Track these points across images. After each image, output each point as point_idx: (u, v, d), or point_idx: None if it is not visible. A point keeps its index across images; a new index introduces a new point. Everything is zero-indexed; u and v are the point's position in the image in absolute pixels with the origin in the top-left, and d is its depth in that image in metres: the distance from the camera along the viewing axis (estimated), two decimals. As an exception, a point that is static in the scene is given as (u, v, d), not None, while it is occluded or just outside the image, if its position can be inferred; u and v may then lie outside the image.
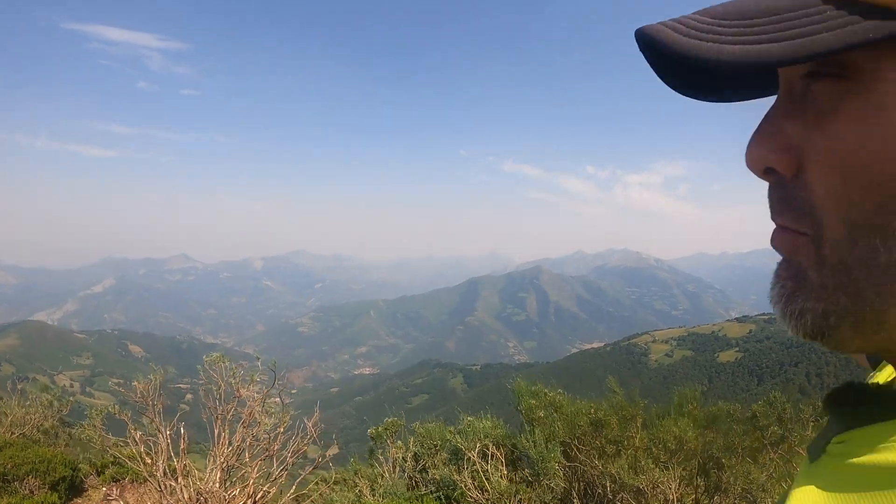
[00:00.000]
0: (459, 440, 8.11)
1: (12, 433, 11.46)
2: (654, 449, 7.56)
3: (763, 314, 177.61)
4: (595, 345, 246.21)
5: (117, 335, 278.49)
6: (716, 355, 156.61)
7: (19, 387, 13.38)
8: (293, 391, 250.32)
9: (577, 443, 7.90)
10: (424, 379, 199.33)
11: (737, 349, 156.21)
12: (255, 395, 8.03)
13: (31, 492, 8.26)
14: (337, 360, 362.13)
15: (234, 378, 7.92)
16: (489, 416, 8.81)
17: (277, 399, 8.27)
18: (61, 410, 13.52)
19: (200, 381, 8.13)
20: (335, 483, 8.77)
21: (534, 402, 8.42)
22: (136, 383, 8.11)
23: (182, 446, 7.84)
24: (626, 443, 7.71)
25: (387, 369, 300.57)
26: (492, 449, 7.69)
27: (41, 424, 12.26)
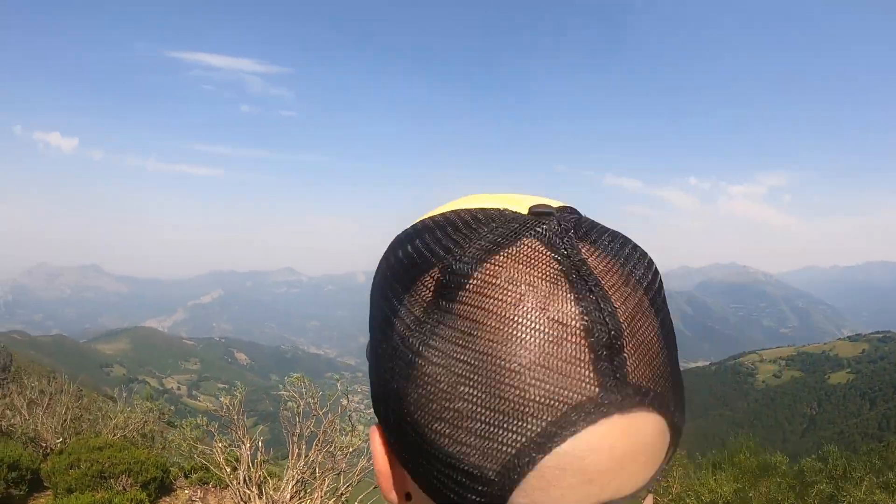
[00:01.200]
0: None
1: (115, 434, 12.49)
2: (687, 500, 7.24)
3: (877, 332, 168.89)
4: (700, 363, 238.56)
5: (224, 343, 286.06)
6: (826, 376, 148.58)
7: (124, 394, 14.46)
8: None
9: None
10: None
11: (848, 370, 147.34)
12: (331, 415, 8.43)
13: (124, 489, 9.11)
14: None
15: (314, 398, 8.38)
16: None
17: (355, 412, 8.70)
18: (162, 416, 14.55)
19: (283, 395, 8.59)
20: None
21: None
22: (223, 399, 8.87)
23: (259, 457, 8.52)
24: (661, 491, 7.32)
25: None
26: None
27: (141, 428, 13.26)
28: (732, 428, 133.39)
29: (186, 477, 10.41)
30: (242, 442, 8.48)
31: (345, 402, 8.66)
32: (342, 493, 8.25)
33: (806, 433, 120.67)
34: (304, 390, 8.43)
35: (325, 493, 8.13)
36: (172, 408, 8.44)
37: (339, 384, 8.54)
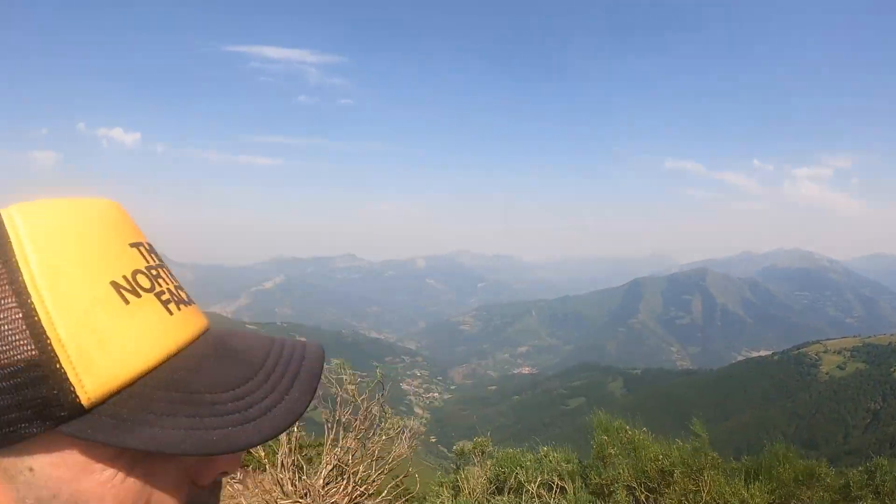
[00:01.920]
0: (520, 472, 7.99)
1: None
2: None
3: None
4: (762, 353, 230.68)
5: (286, 327, 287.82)
6: (892, 370, 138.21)
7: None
8: (452, 387, 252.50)
9: (643, 490, 7.30)
10: (583, 381, 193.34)
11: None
12: (370, 402, 8.72)
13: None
14: (497, 359, 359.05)
15: (353, 384, 8.66)
16: (566, 447, 8.50)
17: (414, 396, 8.98)
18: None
19: (324, 383, 8.81)
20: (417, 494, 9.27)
21: (606, 437, 7.91)
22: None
23: (295, 442, 8.91)
24: (688, 498, 6.97)
25: (545, 370, 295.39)
26: (557, 482, 7.62)
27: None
28: (793, 420, 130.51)
29: (231, 460, 10.79)
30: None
31: (405, 385, 8.87)
32: (374, 480, 8.56)
33: (869, 429, 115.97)
34: (344, 377, 8.68)
35: (358, 480, 8.44)
36: None
37: (377, 371, 8.75)
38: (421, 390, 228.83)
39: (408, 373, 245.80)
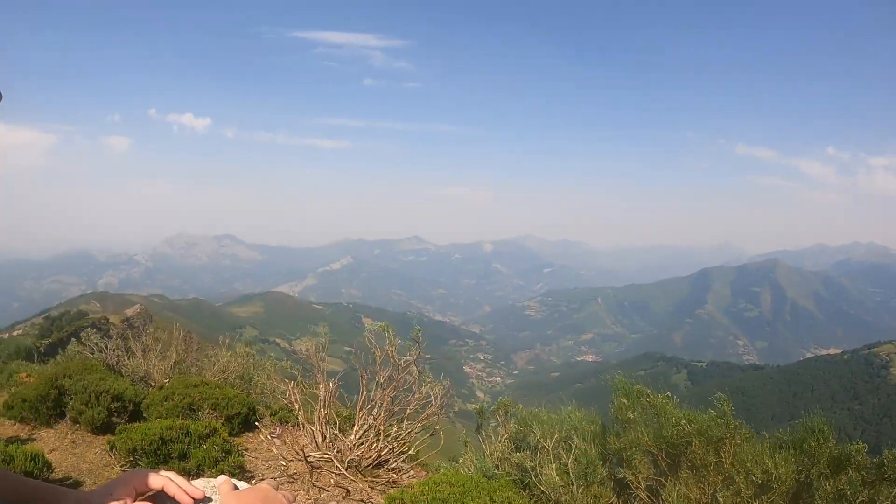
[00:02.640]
0: (536, 428, 8.16)
1: (215, 376, 13.51)
2: (736, 479, 6.42)
3: None
4: (832, 351, 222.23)
5: (352, 308, 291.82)
6: None
7: (228, 341, 15.48)
8: (514, 372, 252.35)
9: (663, 456, 7.14)
10: (647, 371, 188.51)
11: None
12: (409, 361, 8.91)
13: (209, 419, 9.96)
14: (560, 346, 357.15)
15: (393, 346, 8.89)
16: (589, 408, 8.48)
17: (476, 379, 9.15)
18: (261, 362, 15.54)
19: (351, 349, 9.09)
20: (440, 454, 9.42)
21: (626, 401, 7.75)
22: (304, 341, 9.55)
23: (326, 399, 9.14)
24: (708, 468, 6.69)
25: (609, 358, 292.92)
26: (576, 441, 7.64)
27: (242, 373, 14.23)
28: (859, 424, 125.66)
29: (272, 416, 11.15)
30: (320, 385, 9.10)
31: (468, 368, 9.04)
32: (404, 439, 8.75)
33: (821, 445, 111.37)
34: (386, 339, 8.88)
35: (390, 438, 8.65)
36: (300, 368, 8.94)
37: (415, 330, 8.91)
38: (483, 374, 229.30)
39: (471, 356, 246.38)
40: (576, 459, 7.32)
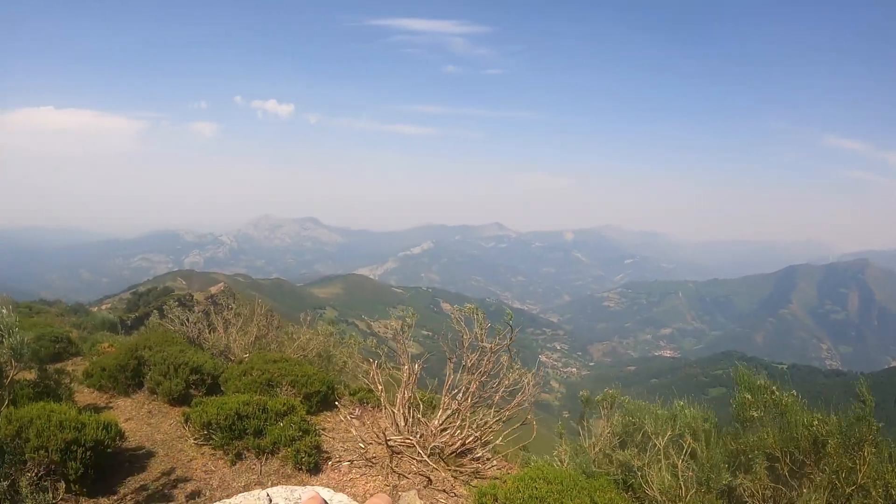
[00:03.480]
0: (648, 423, 7.34)
1: (295, 353, 13.26)
2: (873, 492, 5.69)
3: None
4: None
5: (431, 293, 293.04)
6: None
7: (308, 319, 15.26)
8: (591, 364, 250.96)
9: (787, 462, 6.39)
10: (725, 370, 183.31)
11: None
12: (495, 345, 8.45)
13: (287, 396, 9.69)
14: (638, 339, 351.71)
15: (482, 329, 8.42)
16: (702, 403, 7.56)
17: (552, 369, 8.67)
18: (342, 341, 15.27)
19: (429, 333, 8.66)
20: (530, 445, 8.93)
21: (749, 397, 7.01)
22: (390, 321, 9.15)
23: (410, 381, 8.73)
24: (843, 475, 5.94)
25: (688, 354, 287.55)
26: (689, 440, 6.74)
27: (322, 350, 13.97)
28: None
29: (352, 395, 10.83)
30: (404, 366, 8.70)
31: (544, 358, 8.60)
32: (491, 427, 8.29)
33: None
34: (475, 322, 8.43)
35: (475, 426, 8.19)
36: (384, 348, 8.65)
37: (507, 313, 8.47)
38: (559, 364, 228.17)
39: (548, 345, 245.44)
40: (691, 461, 6.54)
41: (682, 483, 6.31)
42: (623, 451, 7.43)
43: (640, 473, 6.73)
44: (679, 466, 6.43)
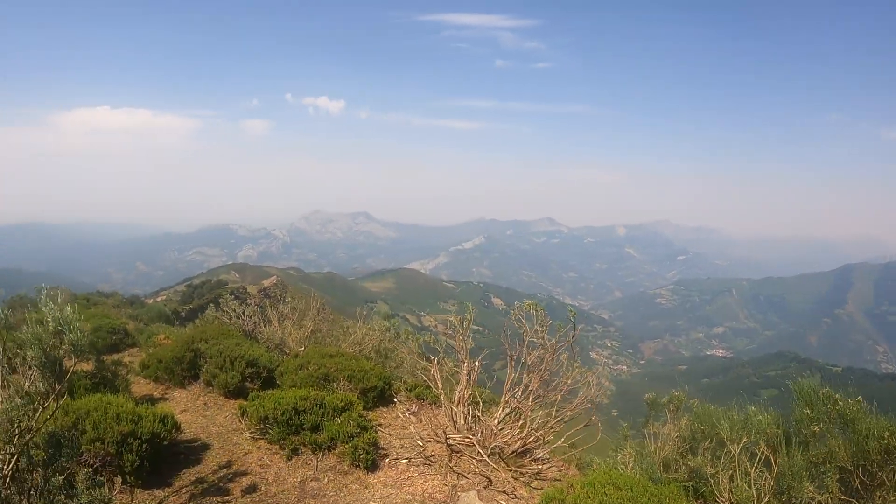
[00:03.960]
0: (724, 428, 6.95)
1: (351, 348, 13.18)
2: None
3: None
4: None
5: (482, 287, 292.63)
6: None
7: (364, 313, 15.18)
8: (641, 362, 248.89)
9: (860, 473, 6.14)
10: (778, 372, 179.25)
11: None
12: (556, 343, 8.25)
13: (344, 391, 9.60)
14: (690, 338, 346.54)
15: (542, 326, 8.22)
16: (773, 409, 7.24)
17: (602, 366, 8.44)
18: (398, 336, 15.16)
19: (480, 328, 8.47)
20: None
21: (808, 412, 6.73)
22: (451, 318, 8.98)
23: (472, 379, 8.56)
24: None
25: (740, 354, 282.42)
26: (763, 448, 6.39)
27: (377, 345, 13.86)
28: None
29: (409, 391, 10.69)
30: (463, 363, 8.54)
31: (594, 355, 8.42)
32: (551, 427, 8.08)
33: None
34: (535, 319, 8.22)
35: (535, 425, 8.00)
36: (443, 343, 8.54)
37: (570, 311, 8.25)
38: (610, 361, 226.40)
39: (598, 342, 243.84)
40: (764, 469, 6.18)
41: (755, 493, 6.01)
42: (694, 456, 7.10)
43: (712, 481, 6.42)
44: (752, 475, 6.13)
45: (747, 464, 6.22)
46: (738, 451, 6.31)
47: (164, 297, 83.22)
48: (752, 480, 6.07)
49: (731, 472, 6.29)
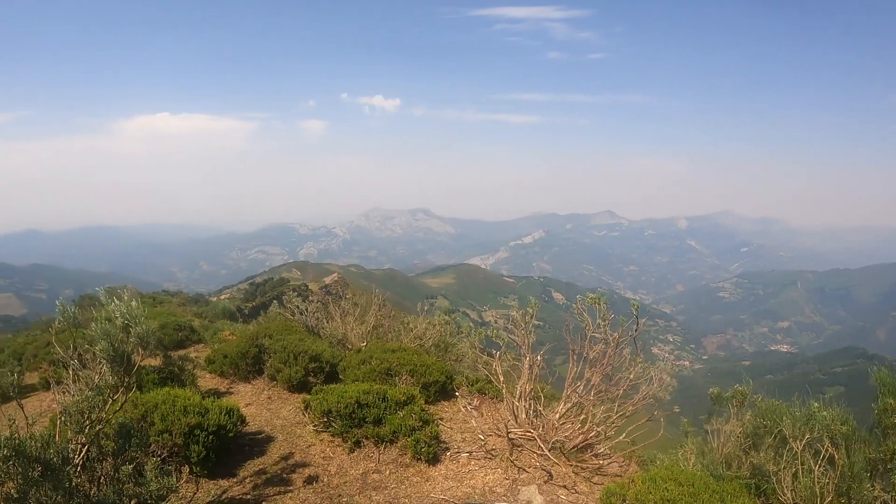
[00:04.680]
0: (786, 424, 6.51)
1: (412, 342, 13.26)
2: None
3: None
4: None
5: (542, 282, 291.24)
6: None
7: (426, 308, 15.25)
8: (704, 357, 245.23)
9: None
10: (844, 368, 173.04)
11: None
12: (619, 337, 8.17)
13: (406, 385, 9.67)
14: (754, 332, 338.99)
15: (605, 320, 8.15)
16: (840, 405, 6.67)
17: (663, 361, 8.31)
18: (459, 331, 15.18)
19: (541, 323, 8.42)
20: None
21: (892, 402, 6.27)
22: (513, 312, 8.98)
23: (533, 373, 8.54)
24: None
25: (805, 350, 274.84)
26: (828, 447, 6.07)
27: (438, 340, 13.89)
28: None
29: (470, 386, 10.72)
30: (525, 357, 8.53)
31: (655, 350, 8.32)
32: (613, 423, 8.02)
33: None
34: (598, 313, 8.16)
35: (596, 421, 7.95)
36: (504, 338, 8.58)
37: (633, 304, 8.16)
38: (671, 356, 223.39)
39: (660, 337, 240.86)
40: (828, 467, 5.93)
41: (818, 491, 5.79)
42: (756, 453, 6.91)
43: (774, 479, 6.16)
44: (815, 473, 5.89)
45: (811, 461, 6.00)
46: (800, 447, 6.10)
47: (227, 295, 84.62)
48: (816, 478, 5.85)
49: (793, 469, 6.07)
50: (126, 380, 5.34)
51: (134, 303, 5.50)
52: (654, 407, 8.08)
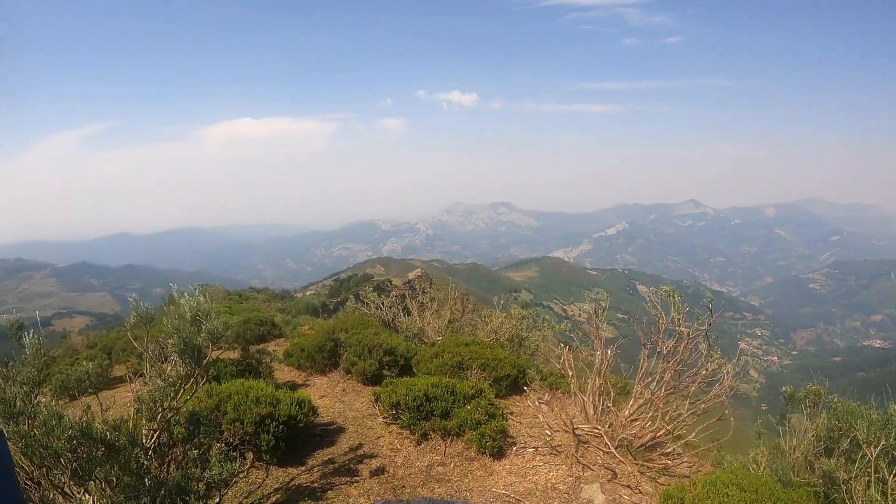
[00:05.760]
0: (861, 429, 6.02)
1: (487, 336, 13.34)
2: None
3: None
4: None
5: (626, 274, 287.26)
6: None
7: (502, 302, 15.28)
8: (793, 352, 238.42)
9: None
10: None
11: None
12: (692, 331, 8.01)
13: (476, 379, 9.75)
14: (846, 326, 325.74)
15: (679, 313, 7.98)
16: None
17: (752, 357, 8.15)
18: (536, 325, 15.17)
19: (625, 317, 8.30)
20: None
21: None
22: (586, 306, 8.97)
23: (605, 368, 8.48)
24: None
25: None
26: None
27: (513, 333, 13.92)
28: None
29: (542, 380, 10.75)
30: (597, 351, 8.49)
31: (742, 344, 8.09)
32: (685, 420, 7.88)
33: None
34: (672, 306, 8.02)
35: (667, 418, 7.82)
36: (578, 332, 8.55)
37: (707, 295, 7.99)
38: (759, 352, 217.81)
39: (747, 331, 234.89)
40: None
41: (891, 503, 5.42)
42: (828, 459, 6.50)
43: (844, 488, 5.78)
44: (889, 483, 5.49)
45: (885, 470, 5.62)
46: (874, 454, 5.68)
47: (312, 292, 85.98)
48: (890, 490, 5.45)
49: (867, 478, 5.67)
50: (197, 370, 5.58)
51: (202, 298, 5.71)
52: (729, 405, 7.83)
